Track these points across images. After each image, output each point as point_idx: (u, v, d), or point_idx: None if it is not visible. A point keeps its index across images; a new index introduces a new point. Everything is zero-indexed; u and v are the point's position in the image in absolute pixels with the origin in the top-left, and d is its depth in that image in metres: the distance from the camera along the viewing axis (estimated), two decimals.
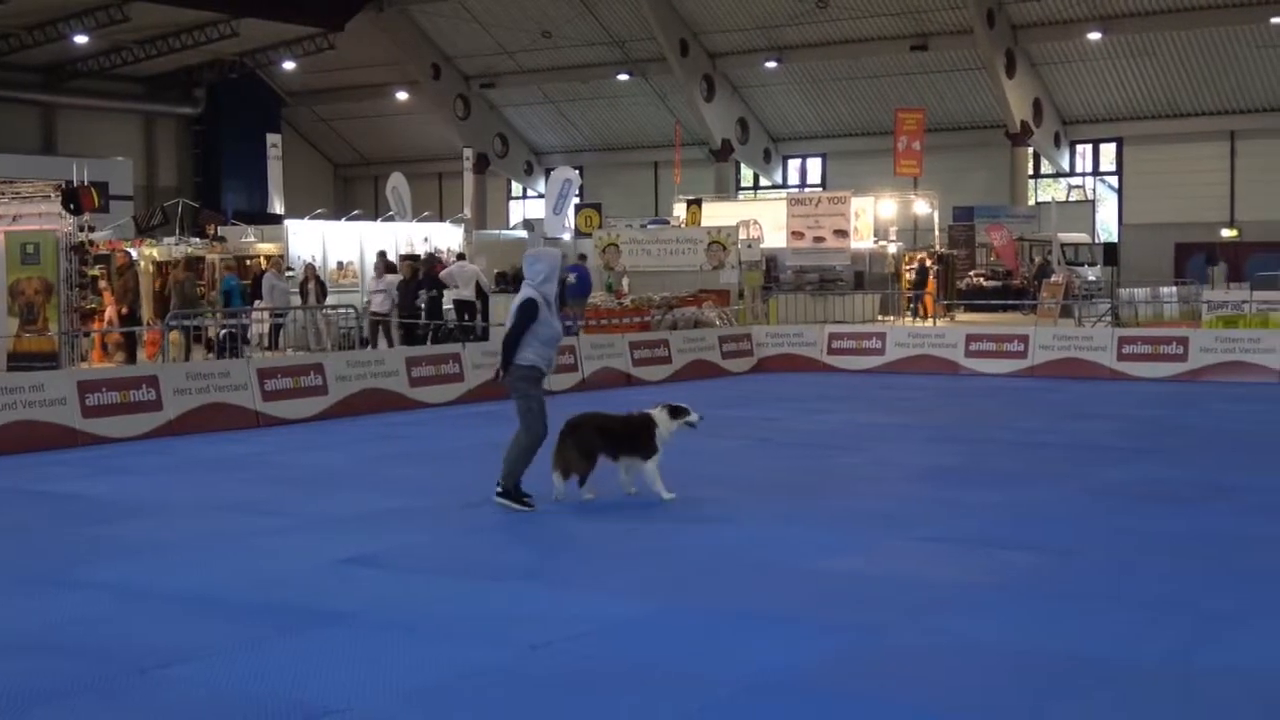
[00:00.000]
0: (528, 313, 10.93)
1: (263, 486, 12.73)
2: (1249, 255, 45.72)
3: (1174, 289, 34.93)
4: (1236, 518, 10.58)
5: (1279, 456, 14.17)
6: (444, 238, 35.51)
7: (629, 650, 7.15)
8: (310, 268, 29.50)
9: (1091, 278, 43.02)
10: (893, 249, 39.98)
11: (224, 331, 24.94)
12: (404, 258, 29.93)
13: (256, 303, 27.79)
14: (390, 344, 25.48)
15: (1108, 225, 52.99)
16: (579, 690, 6.53)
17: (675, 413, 11.27)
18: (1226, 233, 49.88)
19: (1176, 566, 8.97)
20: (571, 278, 28.26)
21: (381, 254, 29.67)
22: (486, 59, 56.74)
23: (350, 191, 63.69)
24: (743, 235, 34.04)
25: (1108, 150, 53.62)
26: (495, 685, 6.62)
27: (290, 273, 29.45)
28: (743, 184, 58.12)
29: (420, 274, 27.62)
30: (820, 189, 52.28)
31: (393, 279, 27.36)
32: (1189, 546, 9.59)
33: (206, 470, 13.80)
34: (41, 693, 6.50)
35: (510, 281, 28.52)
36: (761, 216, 40.27)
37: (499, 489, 11.04)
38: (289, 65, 55.06)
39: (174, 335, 22.93)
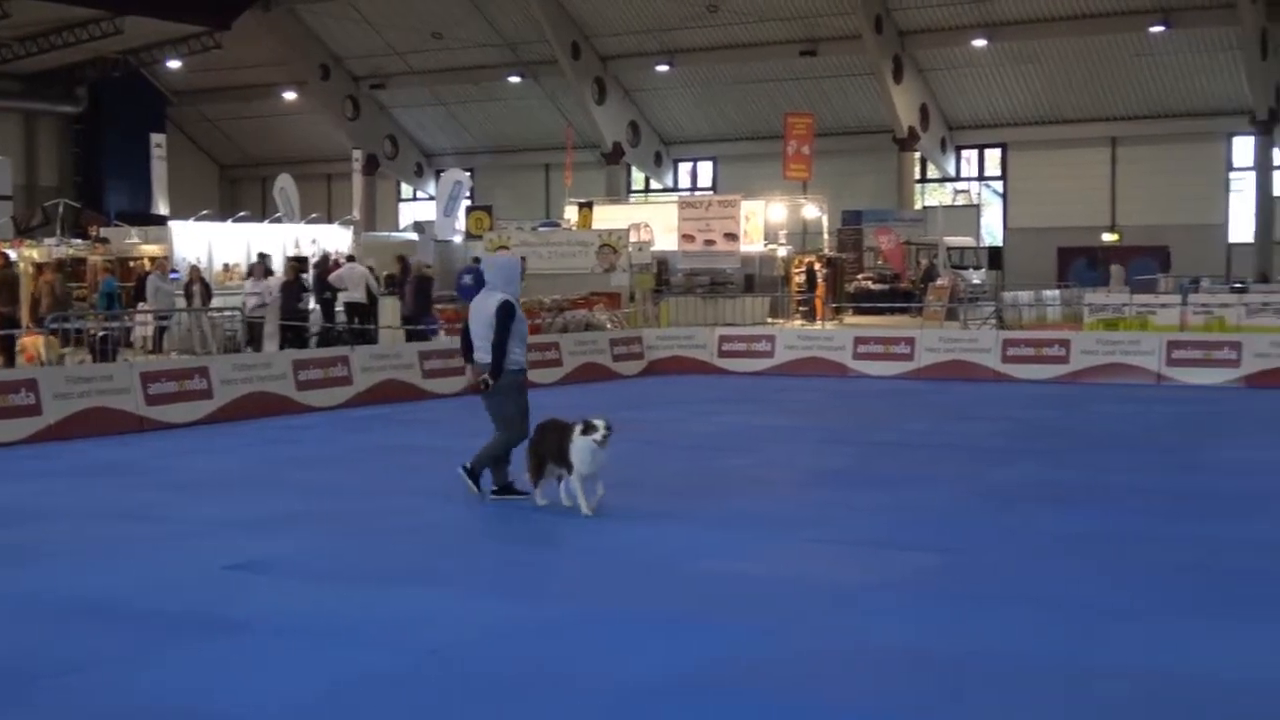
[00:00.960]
0: (508, 315, 11.16)
1: (148, 492, 12.50)
2: (1129, 259, 46.61)
3: (1057, 292, 35.55)
4: (1121, 517, 10.77)
5: (1159, 456, 14.46)
6: (333, 240, 35.16)
7: (524, 653, 7.12)
8: (195, 270, 29.05)
9: (976, 281, 43.63)
10: (782, 252, 40.27)
11: (102, 334, 24.45)
12: (290, 259, 29.56)
13: (140, 305, 27.29)
14: (258, 348, 24.99)
15: (992, 229, 53.81)
16: (476, 694, 6.49)
17: (586, 429, 10.75)
18: (1108, 237, 50.91)
19: (1065, 566, 9.11)
20: (467, 279, 28.12)
21: (261, 256, 29.24)
22: (376, 59, 56.29)
23: (237, 192, 62.84)
24: (634, 238, 34.11)
25: (993, 155, 54.47)
26: (394, 690, 6.56)
27: (175, 275, 28.97)
28: (634, 187, 58.23)
29: (302, 276, 27.28)
30: (711, 192, 52.57)
31: (273, 281, 26.94)
32: (1076, 546, 9.74)
33: (89, 476, 13.53)
34: None
35: (398, 285, 28.19)
36: (652, 219, 40.39)
37: (494, 488, 11.40)
38: (174, 64, 54.22)
39: (43, 338, 22.36)
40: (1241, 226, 51.05)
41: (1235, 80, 47.67)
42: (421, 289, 26.52)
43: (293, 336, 25.82)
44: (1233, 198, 51.94)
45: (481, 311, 11.35)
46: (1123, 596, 8.25)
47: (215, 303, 28.27)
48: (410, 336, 25.12)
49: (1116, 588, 8.49)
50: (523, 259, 11.86)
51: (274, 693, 6.50)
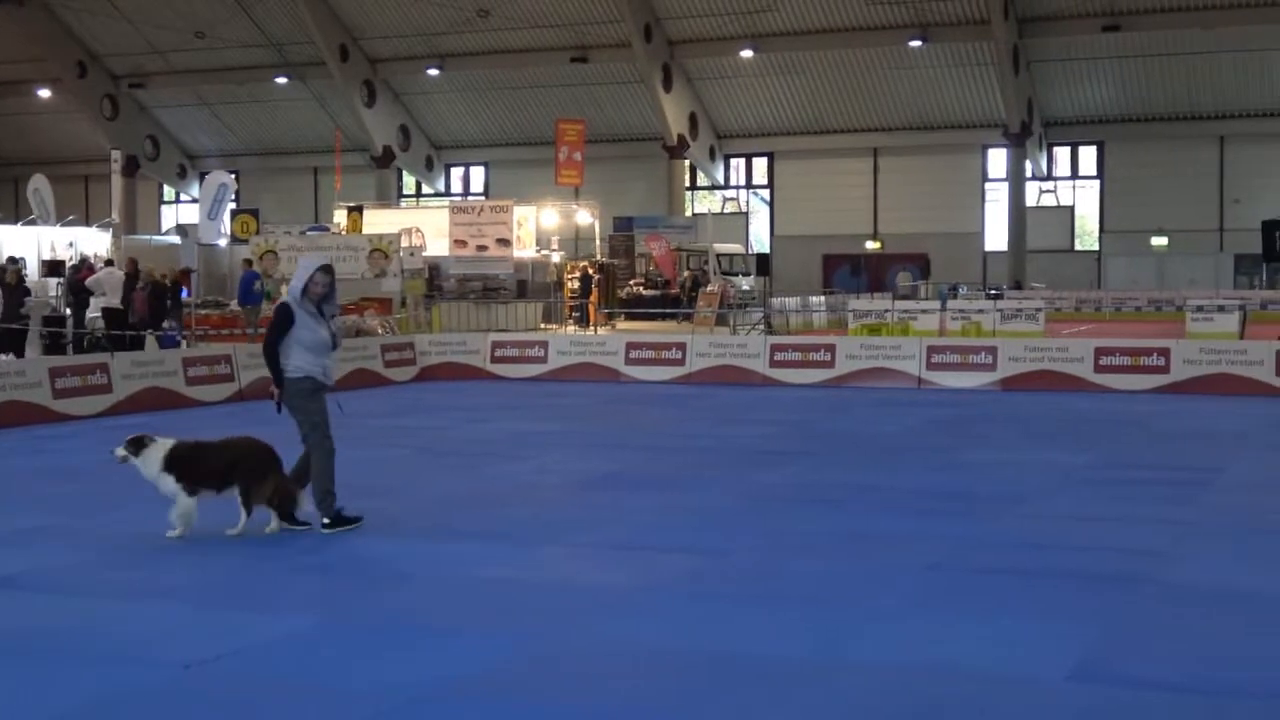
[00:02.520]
0: (280, 320, 10.28)
1: None
2: (890, 266, 48.06)
3: (823, 298, 36.42)
4: (880, 518, 11.05)
5: (919, 458, 14.89)
6: (91, 243, 34.00)
7: (286, 667, 6.97)
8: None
9: (746, 287, 44.44)
10: (555, 258, 40.40)
11: None
12: (9, 260, 28.42)
13: None
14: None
15: (760, 236, 54.86)
16: (235, 709, 6.33)
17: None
18: (871, 244, 52.38)
19: (826, 565, 9.30)
20: (258, 286, 27.48)
21: (12, 260, 28.01)
22: (136, 58, 54.69)
23: None
24: (405, 243, 33.80)
25: (760, 164, 55.58)
26: (148, 707, 6.35)
27: None
28: (405, 191, 57.76)
29: (23, 281, 26.26)
30: (483, 198, 52.44)
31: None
32: (838, 546, 9.97)
33: None
34: None
35: (125, 291, 26.80)
36: (424, 224, 40.07)
37: (325, 521, 10.23)
38: None
39: None
40: (996, 235, 53.08)
41: (990, 94, 49.54)
42: (156, 294, 25.68)
43: (50, 342, 24.86)
44: (988, 207, 54.01)
45: None
46: (882, 595, 8.47)
47: None
48: (135, 345, 24.01)
49: (875, 586, 8.71)
50: (328, 263, 10.53)
51: (18, 712, 6.24)
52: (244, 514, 10.18)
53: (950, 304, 31.18)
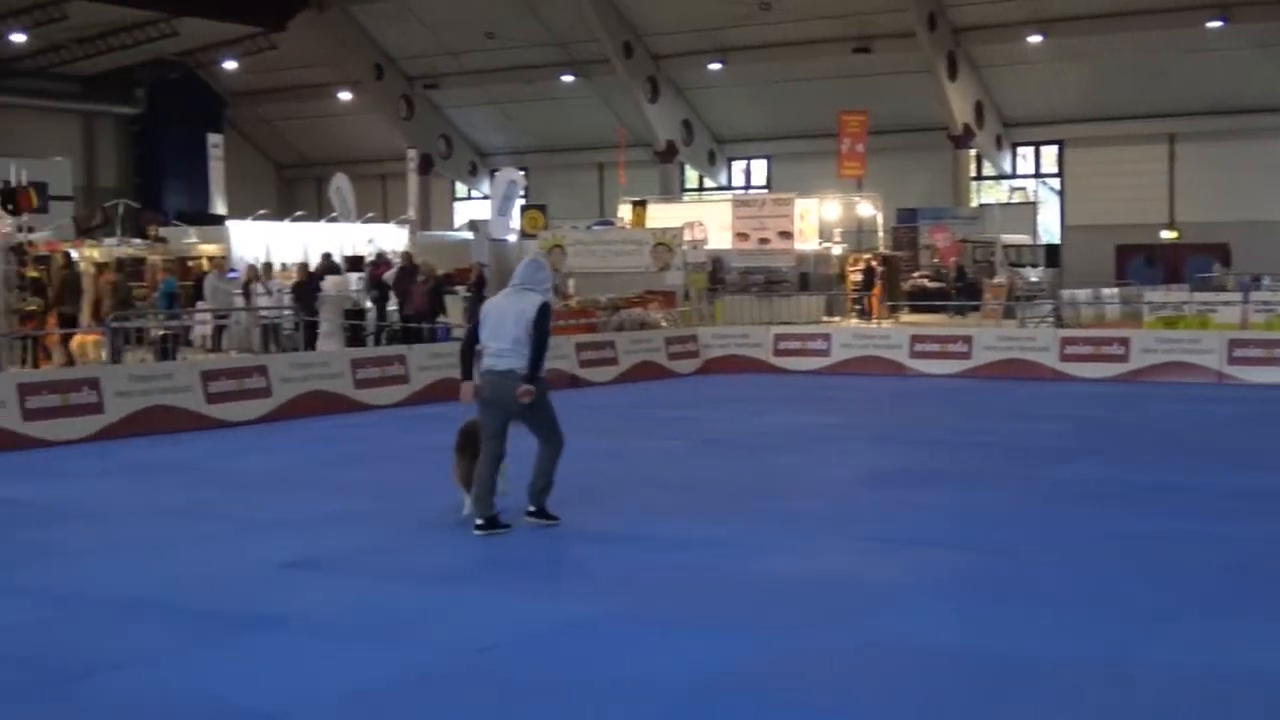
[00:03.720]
0: (548, 318, 10.34)
1: (205, 490, 12.61)
2: (1188, 257, 46.23)
3: (1115, 290, 35.24)
4: (1174, 518, 10.67)
5: (1220, 456, 14.30)
6: (388, 239, 35.31)
7: (569, 655, 7.13)
8: (253, 269, 29.26)
9: (1034, 279, 43.34)
10: (837, 250, 40.13)
11: (162, 333, 24.67)
12: (346, 259, 29.70)
13: (199, 304, 27.52)
14: (280, 348, 24.98)
15: (1049, 227, 53.44)
16: (523, 695, 6.50)
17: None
18: (1166, 234, 50.43)
19: (1116, 565, 9.03)
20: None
21: (325, 257, 29.36)
22: (430, 59, 56.51)
23: (293, 192, 63.26)
24: (688, 237, 34.06)
25: (1049, 153, 54.07)
26: (439, 690, 6.58)
27: (233, 274, 29.12)
28: (687, 185, 58.20)
29: (317, 276, 27.35)
30: (765, 191, 52.47)
31: (283, 282, 26.91)
32: (1128, 546, 9.67)
33: (148, 474, 13.66)
34: None
35: (398, 284, 27.56)
36: (706, 218, 40.24)
37: (531, 508, 10.47)
38: (230, 65, 54.65)
39: (94, 336, 22.56)
40: None
41: None
42: (435, 290, 26.38)
43: (351, 335, 25.93)
44: None
45: (510, 312, 10.29)
46: (1169, 596, 8.18)
47: (265, 303, 28.22)
48: (416, 338, 24.88)
49: (1166, 588, 8.41)
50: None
51: (319, 690, 6.53)
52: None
53: (1253, 296, 29.76)
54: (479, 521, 10.21)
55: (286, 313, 25.92)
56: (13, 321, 22.66)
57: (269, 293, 26.60)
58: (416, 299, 26.03)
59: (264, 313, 26.00)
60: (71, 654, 7.15)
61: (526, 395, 10.09)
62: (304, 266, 27.88)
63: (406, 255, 29.47)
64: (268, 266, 28.47)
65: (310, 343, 24.86)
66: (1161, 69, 48.14)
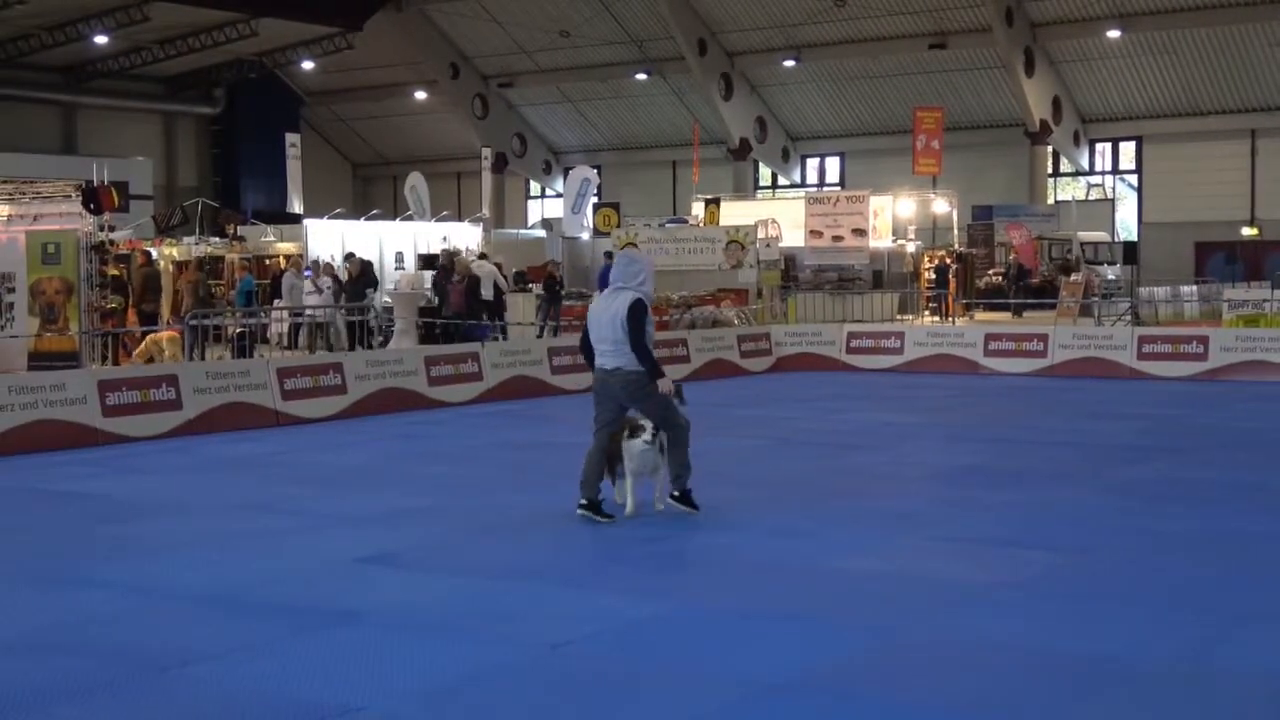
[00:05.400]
0: (641, 314, 10.39)
1: (281, 486, 12.75)
2: (1269, 254, 45.54)
3: (1194, 288, 34.81)
4: (1255, 517, 10.53)
5: None
6: (463, 237, 35.52)
7: (646, 650, 7.14)
8: (329, 267, 29.52)
9: (1111, 277, 42.91)
10: (911, 248, 39.92)
11: (240, 331, 24.96)
12: (421, 257, 29.75)
13: (276, 302, 27.80)
14: (329, 347, 25.09)
15: (1127, 224, 52.86)
16: (597, 690, 6.52)
17: (633, 431, 10.53)
18: (1247, 231, 49.68)
19: (1194, 566, 8.93)
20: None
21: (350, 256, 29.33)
22: (504, 58, 56.80)
23: (369, 191, 63.83)
24: (761, 234, 34.01)
25: (1127, 149, 53.49)
26: (514, 685, 6.61)
27: (309, 273, 29.35)
28: (761, 183, 58.09)
29: (365, 273, 27.47)
30: (839, 188, 52.24)
31: (323, 281, 27.01)
32: (1207, 546, 9.55)
33: (225, 470, 13.83)
34: (58, 691, 6.51)
35: (436, 283, 27.67)
36: (780, 215, 40.21)
37: (674, 493, 10.69)
38: (308, 65, 55.22)
39: (171, 333, 22.85)
40: None
41: None
42: (471, 289, 26.41)
43: (425, 332, 26.08)
44: None
45: (605, 314, 10.48)
46: (1250, 598, 8.07)
47: (313, 300, 28.35)
48: (454, 337, 24.92)
49: (1247, 589, 8.31)
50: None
51: (395, 684, 6.59)
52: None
53: None
54: (582, 501, 10.51)
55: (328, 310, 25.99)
56: (94, 319, 23.01)
57: (319, 290, 26.75)
58: (454, 298, 26.09)
59: (310, 311, 26.13)
60: (154, 647, 7.25)
61: (662, 391, 10.43)
62: (355, 262, 27.80)
63: (446, 254, 29.52)
64: (317, 264, 28.44)
65: (355, 342, 24.98)
66: (1243, 64, 47.47)
